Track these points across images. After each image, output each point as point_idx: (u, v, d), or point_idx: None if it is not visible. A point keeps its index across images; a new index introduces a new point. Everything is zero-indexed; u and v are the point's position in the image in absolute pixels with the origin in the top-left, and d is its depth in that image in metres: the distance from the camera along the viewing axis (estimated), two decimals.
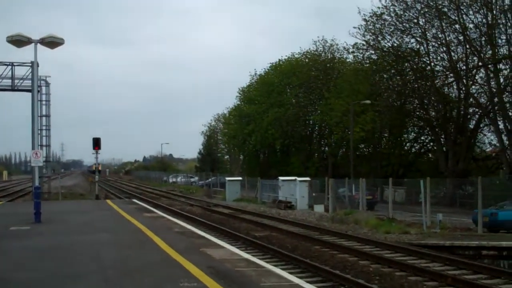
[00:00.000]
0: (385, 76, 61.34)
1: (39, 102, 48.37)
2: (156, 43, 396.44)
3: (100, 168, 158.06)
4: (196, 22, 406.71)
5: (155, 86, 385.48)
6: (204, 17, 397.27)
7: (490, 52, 49.82)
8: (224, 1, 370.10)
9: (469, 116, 57.53)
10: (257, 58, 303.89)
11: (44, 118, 52.66)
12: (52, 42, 26.26)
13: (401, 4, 54.28)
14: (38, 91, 43.37)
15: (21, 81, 49.03)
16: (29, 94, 44.33)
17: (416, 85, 57.12)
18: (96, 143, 48.26)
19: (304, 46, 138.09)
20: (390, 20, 55.68)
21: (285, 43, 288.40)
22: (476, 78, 54.79)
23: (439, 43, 54.72)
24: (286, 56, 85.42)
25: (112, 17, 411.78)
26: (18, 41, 25.99)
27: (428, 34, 55.08)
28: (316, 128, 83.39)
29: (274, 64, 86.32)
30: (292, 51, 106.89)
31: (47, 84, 53.58)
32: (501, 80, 49.57)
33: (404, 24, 55.42)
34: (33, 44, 26.19)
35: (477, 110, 55.87)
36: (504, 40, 48.95)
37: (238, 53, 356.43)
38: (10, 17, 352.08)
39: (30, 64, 43.26)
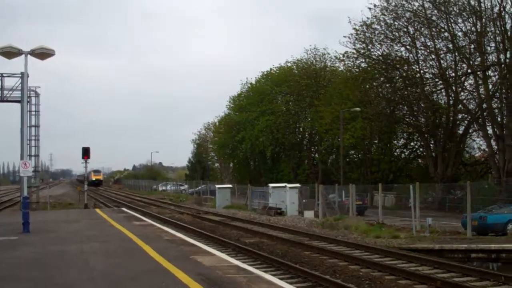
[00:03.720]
0: (374, 83, 61.43)
1: (28, 112, 48.35)
2: (147, 52, 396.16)
3: (101, 178, 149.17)
4: (189, 31, 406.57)
5: (145, 95, 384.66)
6: (196, 26, 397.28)
7: (479, 59, 49.96)
8: (218, 10, 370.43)
9: (458, 122, 57.67)
10: (250, 67, 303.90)
11: (33, 128, 52.56)
12: (42, 53, 26.11)
13: (391, 13, 54.44)
14: (28, 102, 43.37)
15: (11, 92, 48.85)
16: (19, 104, 44.26)
17: (405, 92, 57.18)
18: (86, 153, 48.14)
19: (298, 54, 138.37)
20: (379, 29, 55.87)
21: (280, 52, 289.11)
22: (465, 84, 54.95)
23: (428, 51, 54.81)
24: (278, 64, 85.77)
25: (104, 27, 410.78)
26: (8, 52, 25.82)
27: (418, 42, 55.22)
28: (306, 135, 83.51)
29: (265, 72, 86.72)
30: (287, 59, 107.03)
31: (37, 95, 53.44)
32: (490, 86, 49.69)
33: (393, 33, 55.54)
34: (23, 55, 26.10)
35: (466, 116, 56.03)
36: (493, 48, 49.14)
37: (231, 62, 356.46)
38: (2, 27, 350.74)
39: (20, 75, 43.15)
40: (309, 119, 76.53)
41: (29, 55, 26.11)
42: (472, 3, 48.68)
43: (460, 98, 54.37)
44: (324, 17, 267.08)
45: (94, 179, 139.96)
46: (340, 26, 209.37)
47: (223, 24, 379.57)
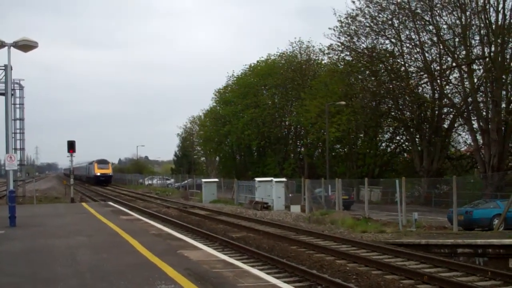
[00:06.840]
0: (359, 77, 61.59)
1: (12, 105, 47.93)
2: (132, 45, 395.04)
3: (110, 171, 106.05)
4: (178, 24, 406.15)
5: (130, 88, 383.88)
6: (187, 20, 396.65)
7: (463, 52, 50.15)
8: (210, 3, 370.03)
9: (443, 116, 57.94)
10: (240, 60, 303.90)
11: (18, 122, 52.19)
12: (25, 46, 25.97)
13: (376, 6, 54.55)
14: (12, 95, 43.02)
15: None
16: (3, 97, 43.95)
17: (390, 86, 57.29)
18: (71, 146, 47.88)
19: (284, 47, 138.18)
20: (364, 21, 56.00)
21: (271, 45, 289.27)
22: (450, 78, 55.28)
23: (413, 44, 55.10)
24: (263, 57, 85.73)
25: (91, 18, 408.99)
26: None
27: (402, 35, 55.49)
28: (292, 129, 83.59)
29: (251, 65, 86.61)
30: (269, 52, 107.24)
31: (21, 88, 53.06)
32: (475, 80, 49.91)
33: (378, 25, 55.69)
34: (6, 47, 25.92)
35: (451, 110, 56.31)
36: (477, 41, 49.31)
37: (221, 55, 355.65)
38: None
39: (4, 68, 42.82)
40: (295, 113, 76.53)
41: (12, 47, 25.96)
42: None
43: (445, 92, 54.62)
44: (312, 8, 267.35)
45: (98, 173, 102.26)
46: (326, 19, 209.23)
47: (209, 17, 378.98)
